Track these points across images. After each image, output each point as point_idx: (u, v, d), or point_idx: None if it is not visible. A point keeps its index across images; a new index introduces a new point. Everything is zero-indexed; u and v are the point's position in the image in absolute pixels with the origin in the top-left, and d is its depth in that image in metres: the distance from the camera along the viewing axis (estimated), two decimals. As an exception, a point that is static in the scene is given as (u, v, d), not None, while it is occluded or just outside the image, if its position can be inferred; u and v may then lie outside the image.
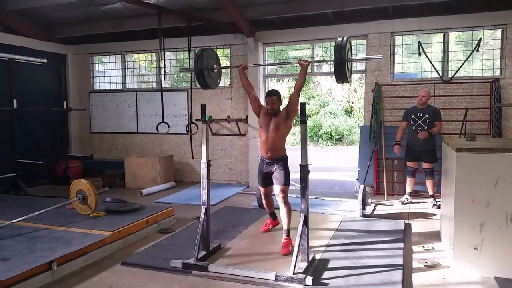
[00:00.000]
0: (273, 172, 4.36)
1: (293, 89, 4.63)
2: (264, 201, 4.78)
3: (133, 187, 7.79)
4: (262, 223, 4.97)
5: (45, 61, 7.59)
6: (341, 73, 3.75)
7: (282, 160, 4.35)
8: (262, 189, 4.65)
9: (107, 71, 9.36)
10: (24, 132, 7.54)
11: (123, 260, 4.02)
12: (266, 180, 4.50)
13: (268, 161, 4.37)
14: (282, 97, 4.51)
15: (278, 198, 4.32)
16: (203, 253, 3.94)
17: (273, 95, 4.30)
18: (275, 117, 4.29)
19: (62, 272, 3.70)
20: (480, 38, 6.53)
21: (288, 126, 4.33)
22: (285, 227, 4.31)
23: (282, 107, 4.38)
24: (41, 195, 6.72)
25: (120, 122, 8.97)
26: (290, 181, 4.42)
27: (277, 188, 4.33)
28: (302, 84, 4.27)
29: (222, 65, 4.60)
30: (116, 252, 4.32)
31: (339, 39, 3.74)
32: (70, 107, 8.50)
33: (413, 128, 6.07)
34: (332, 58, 3.76)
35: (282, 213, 4.32)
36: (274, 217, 4.88)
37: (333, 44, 7.73)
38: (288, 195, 4.37)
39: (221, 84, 8.21)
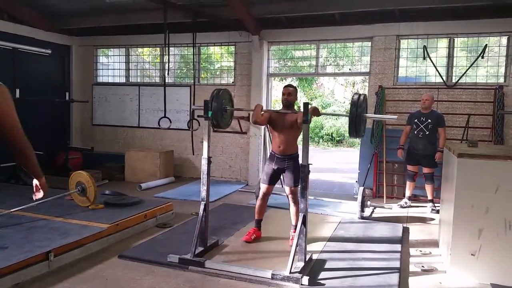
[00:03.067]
0: (283, 169, 4.33)
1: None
2: (259, 202, 4.51)
3: (132, 181, 7.79)
4: (260, 222, 4.92)
5: (49, 51, 7.61)
6: (355, 128, 3.72)
7: (293, 158, 4.32)
8: (264, 186, 4.43)
9: (111, 64, 9.36)
10: (25, 121, 7.40)
11: (120, 253, 4.02)
12: (273, 177, 4.40)
13: (280, 156, 4.31)
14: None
15: (289, 198, 4.39)
16: (200, 249, 3.95)
17: (290, 87, 4.36)
18: (287, 117, 4.24)
19: (58, 263, 3.70)
20: (486, 45, 6.51)
21: (300, 129, 4.24)
22: (294, 222, 4.41)
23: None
24: (41, 186, 6.70)
25: (122, 115, 8.96)
26: None
27: (287, 189, 4.37)
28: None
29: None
30: (113, 245, 4.31)
31: (356, 97, 3.67)
32: (73, 99, 8.50)
33: (415, 132, 6.07)
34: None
35: (292, 211, 4.42)
36: (259, 227, 4.57)
37: (338, 45, 7.79)
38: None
39: (223, 81, 8.30)
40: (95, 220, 4.55)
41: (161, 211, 5.27)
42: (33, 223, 4.42)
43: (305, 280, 3.39)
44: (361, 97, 3.67)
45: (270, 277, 3.44)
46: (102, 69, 9.41)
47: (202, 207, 4.01)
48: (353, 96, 3.73)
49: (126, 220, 4.66)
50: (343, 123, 17.52)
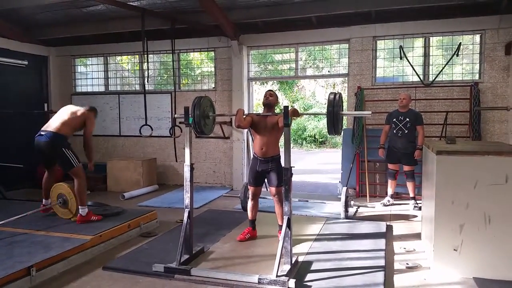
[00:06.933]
0: (267, 171, 4.42)
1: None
2: (250, 203, 4.67)
3: (115, 190, 7.70)
4: (246, 226, 4.90)
5: (26, 63, 7.49)
6: (334, 126, 3.76)
7: (276, 159, 4.43)
8: (252, 188, 4.59)
9: (90, 73, 9.26)
10: (4, 135, 7.39)
11: (104, 265, 3.96)
12: (258, 179, 4.54)
13: (262, 158, 4.41)
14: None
15: (274, 198, 4.47)
16: (186, 256, 3.92)
17: (272, 90, 4.56)
18: (269, 119, 4.36)
19: (41, 278, 3.63)
20: (460, 43, 6.66)
21: (281, 131, 4.30)
22: (280, 222, 4.46)
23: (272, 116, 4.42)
24: (21, 199, 6.59)
25: (102, 124, 8.86)
26: None
27: (272, 189, 4.45)
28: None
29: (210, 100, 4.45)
30: (97, 256, 4.26)
31: (332, 96, 3.71)
32: (52, 110, 8.35)
33: (394, 131, 6.15)
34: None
35: (278, 211, 4.48)
36: (254, 226, 4.72)
37: (317, 48, 7.86)
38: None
39: (204, 87, 8.28)
40: (78, 232, 4.48)
41: (145, 220, 5.22)
42: (13, 237, 4.33)
43: (292, 283, 3.39)
44: (337, 96, 3.72)
45: (257, 282, 3.44)
46: (81, 78, 9.29)
47: (186, 214, 3.99)
48: (329, 96, 3.77)
49: (110, 230, 4.60)
50: (325, 124, 17.63)
